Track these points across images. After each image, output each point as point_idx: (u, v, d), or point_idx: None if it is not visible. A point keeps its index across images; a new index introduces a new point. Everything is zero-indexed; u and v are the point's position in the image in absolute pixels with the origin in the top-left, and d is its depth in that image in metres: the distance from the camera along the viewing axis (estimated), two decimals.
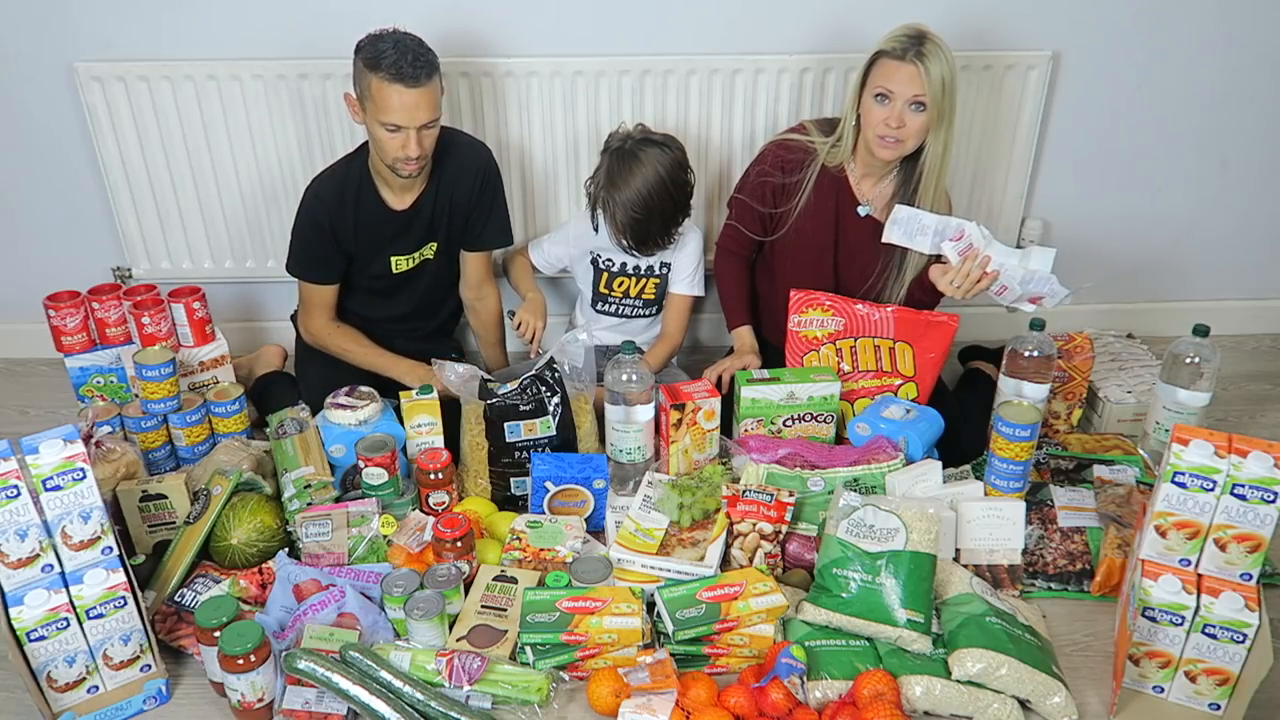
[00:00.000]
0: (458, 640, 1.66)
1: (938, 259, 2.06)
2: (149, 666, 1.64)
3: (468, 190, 2.19)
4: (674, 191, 2.17)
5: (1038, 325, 2.01)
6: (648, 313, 2.42)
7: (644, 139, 2.16)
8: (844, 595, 1.68)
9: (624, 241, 2.21)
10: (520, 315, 2.30)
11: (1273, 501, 1.49)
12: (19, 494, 1.49)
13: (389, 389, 2.15)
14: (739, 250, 2.29)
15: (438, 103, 2.00)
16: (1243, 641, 1.53)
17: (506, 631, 1.67)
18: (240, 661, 1.50)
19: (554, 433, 2.04)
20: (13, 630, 1.51)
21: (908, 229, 2.02)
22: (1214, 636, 1.54)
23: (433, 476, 1.91)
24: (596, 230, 2.27)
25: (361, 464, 1.91)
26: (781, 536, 1.82)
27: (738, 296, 2.30)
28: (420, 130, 1.98)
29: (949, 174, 2.12)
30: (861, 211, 2.14)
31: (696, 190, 2.26)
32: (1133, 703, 1.63)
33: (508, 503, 2.06)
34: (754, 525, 1.82)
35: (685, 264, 2.35)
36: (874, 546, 1.70)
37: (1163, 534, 1.58)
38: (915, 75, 1.93)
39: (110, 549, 1.59)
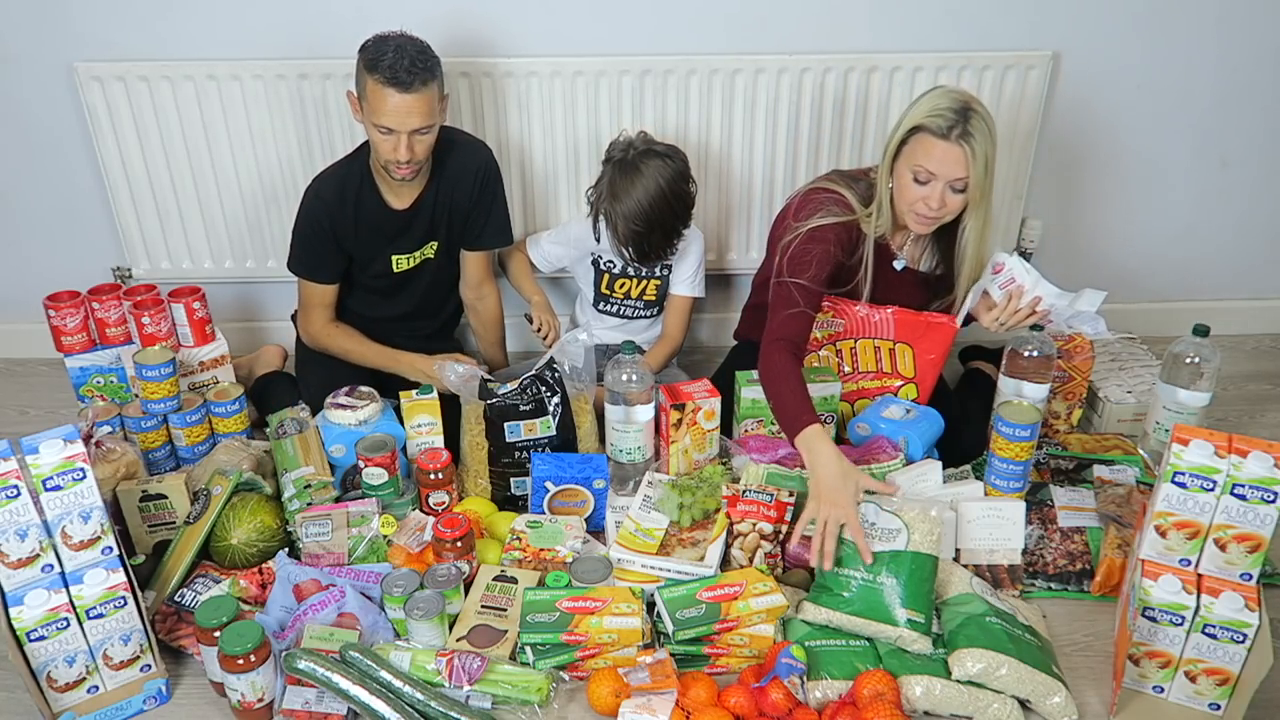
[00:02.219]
0: (458, 640, 1.66)
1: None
2: (149, 666, 1.64)
3: (468, 190, 2.19)
4: (675, 204, 2.16)
5: (1038, 325, 2.00)
6: (649, 313, 2.42)
7: (646, 150, 2.15)
8: (844, 595, 1.68)
9: (625, 252, 2.21)
10: (538, 318, 2.30)
11: (1273, 501, 1.49)
12: (19, 494, 1.49)
13: (389, 389, 2.15)
14: (795, 337, 1.90)
15: (433, 110, 1.98)
16: (1243, 641, 1.53)
17: (506, 631, 1.67)
18: (240, 661, 1.50)
19: (554, 433, 2.04)
20: (13, 630, 1.51)
21: (973, 297, 2.03)
22: (1214, 636, 1.54)
23: (433, 476, 1.92)
24: (598, 240, 2.26)
25: (361, 464, 1.91)
26: (781, 536, 1.82)
27: (799, 391, 1.84)
28: (412, 135, 1.97)
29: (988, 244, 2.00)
30: (898, 265, 2.08)
31: (698, 193, 2.26)
32: (1133, 703, 1.63)
33: (508, 503, 2.06)
34: (754, 525, 1.82)
35: (686, 266, 2.34)
36: (875, 546, 1.70)
37: (1163, 534, 1.58)
38: (960, 158, 1.80)
39: (110, 549, 1.59)
